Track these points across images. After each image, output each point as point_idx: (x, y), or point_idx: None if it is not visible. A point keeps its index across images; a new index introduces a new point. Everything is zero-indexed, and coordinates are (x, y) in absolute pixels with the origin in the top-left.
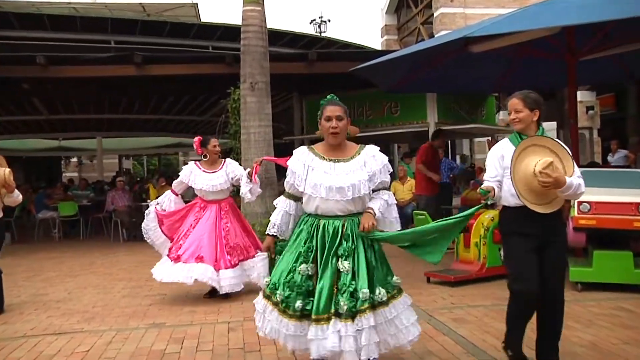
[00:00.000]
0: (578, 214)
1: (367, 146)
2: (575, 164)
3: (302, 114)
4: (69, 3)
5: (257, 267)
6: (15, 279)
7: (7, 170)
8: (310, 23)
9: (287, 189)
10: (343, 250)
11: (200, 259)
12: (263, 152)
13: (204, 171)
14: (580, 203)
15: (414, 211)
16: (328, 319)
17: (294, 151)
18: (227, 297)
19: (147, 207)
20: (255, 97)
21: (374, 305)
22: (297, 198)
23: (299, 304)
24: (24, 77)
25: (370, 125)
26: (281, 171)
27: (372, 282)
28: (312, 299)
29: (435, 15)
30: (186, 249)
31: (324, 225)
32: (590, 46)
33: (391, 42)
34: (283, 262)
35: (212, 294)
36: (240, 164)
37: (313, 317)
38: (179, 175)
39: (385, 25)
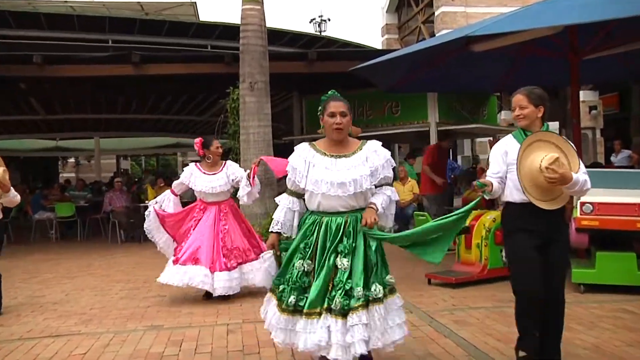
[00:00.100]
0: (581, 214)
1: (369, 141)
2: (580, 160)
3: (301, 114)
4: (66, 2)
5: (256, 271)
6: (11, 281)
7: (1, 169)
8: (310, 22)
9: (289, 186)
10: (343, 247)
11: (196, 260)
12: (262, 152)
13: (204, 173)
14: (583, 204)
15: (415, 212)
16: (319, 314)
17: (295, 147)
18: (226, 299)
19: (146, 207)
20: (255, 97)
21: (368, 302)
22: (300, 195)
23: (292, 299)
24: (20, 77)
25: (371, 125)
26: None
27: (369, 279)
28: (306, 295)
29: (436, 14)
30: (185, 251)
31: (327, 222)
32: (593, 45)
33: (392, 42)
34: (287, 258)
35: (210, 296)
36: (239, 165)
37: (305, 310)
38: (179, 177)
39: (386, 24)
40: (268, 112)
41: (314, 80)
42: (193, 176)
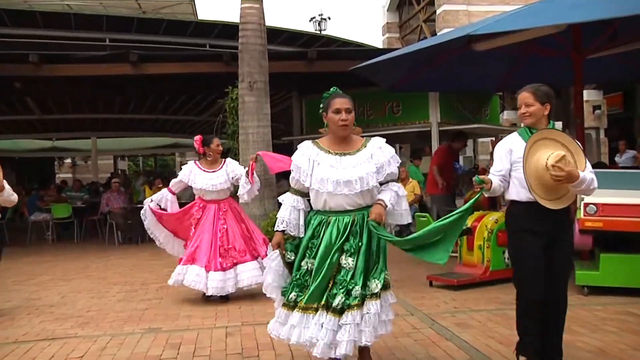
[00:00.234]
0: (584, 215)
1: (372, 138)
2: (586, 158)
3: (301, 114)
4: (62, 0)
5: (248, 272)
6: (6, 283)
7: None
8: (309, 21)
9: (292, 185)
10: (349, 247)
11: (193, 260)
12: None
13: (204, 170)
14: (586, 205)
15: (416, 213)
16: (315, 309)
17: (298, 146)
18: (226, 300)
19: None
20: (254, 97)
21: (364, 299)
22: (304, 194)
23: (293, 295)
24: (16, 76)
25: (372, 125)
26: (280, 172)
27: (368, 276)
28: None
29: (437, 12)
30: (186, 251)
31: (334, 221)
32: (597, 44)
33: (393, 40)
34: (297, 261)
35: (210, 296)
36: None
37: (302, 304)
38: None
39: (387, 22)
40: (267, 112)
41: (313, 80)
42: (192, 174)
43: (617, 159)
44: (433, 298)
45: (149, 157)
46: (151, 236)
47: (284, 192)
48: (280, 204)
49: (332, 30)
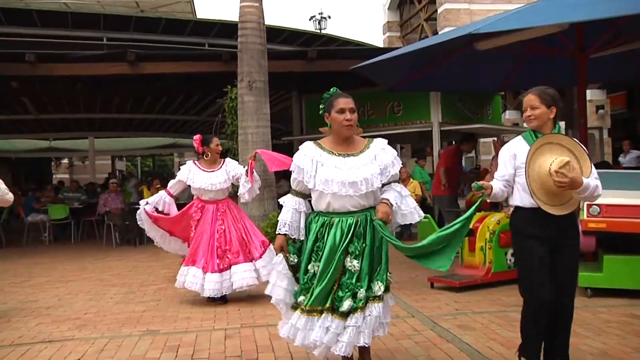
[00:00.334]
0: (587, 216)
1: (375, 139)
2: (592, 164)
3: (301, 114)
4: None
5: (239, 274)
6: (2, 285)
7: None
8: (309, 19)
9: (294, 187)
10: (354, 249)
11: (193, 261)
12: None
13: (204, 170)
14: (589, 206)
15: None
16: (320, 312)
17: (300, 147)
18: (225, 302)
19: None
20: (253, 97)
21: (367, 301)
22: (306, 195)
23: (301, 298)
24: (12, 75)
25: (372, 125)
26: (280, 172)
27: (372, 278)
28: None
29: (439, 11)
30: (188, 253)
31: (337, 222)
32: (601, 43)
33: (393, 39)
34: (304, 265)
35: (214, 299)
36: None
37: (307, 307)
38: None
39: (388, 21)
40: (267, 111)
41: (313, 79)
42: (191, 173)
43: (621, 159)
44: (434, 300)
45: (147, 158)
46: (148, 235)
47: (284, 193)
48: (280, 205)
49: (332, 29)
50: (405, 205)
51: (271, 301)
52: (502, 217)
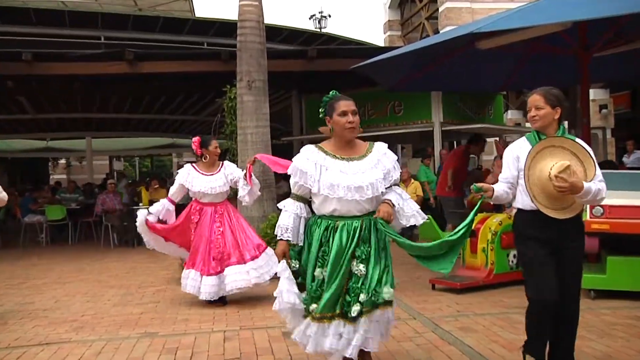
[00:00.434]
0: (591, 218)
1: (376, 143)
2: (597, 166)
3: (301, 114)
4: None
5: (231, 276)
6: None
7: None
8: (309, 18)
9: (294, 191)
10: (360, 253)
11: (193, 264)
12: (260, 153)
13: (202, 173)
14: (592, 206)
15: None
16: (331, 319)
17: (301, 149)
18: (225, 304)
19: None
20: (253, 96)
21: (378, 306)
22: (307, 200)
23: (313, 306)
24: (8, 75)
25: (373, 125)
26: (280, 173)
27: (382, 282)
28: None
29: (440, 10)
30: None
31: (342, 226)
32: (604, 42)
33: (394, 38)
34: (310, 270)
35: (218, 300)
36: (236, 166)
37: (317, 315)
38: (173, 178)
39: (388, 20)
40: (266, 111)
41: (313, 79)
42: (190, 176)
43: (624, 159)
44: (436, 302)
45: (145, 158)
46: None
47: (284, 194)
48: (279, 208)
49: (332, 28)
50: (408, 208)
51: (276, 308)
52: (504, 218)
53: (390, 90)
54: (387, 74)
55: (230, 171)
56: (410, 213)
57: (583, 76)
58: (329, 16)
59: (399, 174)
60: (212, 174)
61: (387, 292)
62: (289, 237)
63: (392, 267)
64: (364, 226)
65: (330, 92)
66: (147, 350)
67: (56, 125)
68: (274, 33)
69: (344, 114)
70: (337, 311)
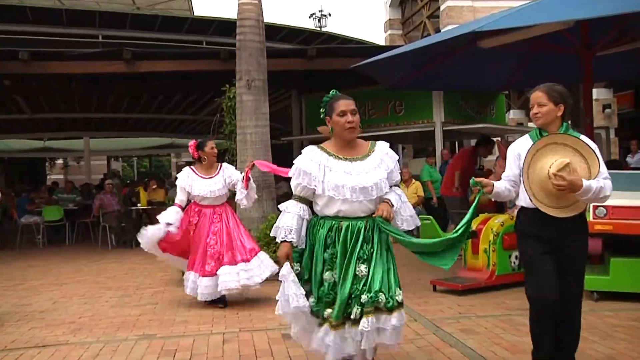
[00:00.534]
0: (594, 218)
1: (377, 143)
2: (602, 164)
3: (301, 113)
4: None
5: (223, 276)
6: None
7: None
8: (309, 17)
9: (297, 192)
10: (362, 253)
11: (192, 266)
12: (260, 153)
13: (201, 177)
14: (596, 207)
15: (420, 215)
16: (343, 323)
17: (303, 150)
18: (225, 305)
19: (137, 211)
20: (252, 96)
21: (393, 309)
22: (309, 201)
23: (328, 312)
24: (5, 74)
25: (373, 125)
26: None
27: (390, 283)
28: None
29: (441, 8)
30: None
31: (347, 227)
32: (607, 40)
33: (395, 37)
34: (314, 272)
35: (218, 302)
36: (235, 166)
37: (334, 322)
38: (172, 178)
39: (389, 19)
40: (266, 111)
41: (313, 78)
42: (190, 179)
43: (629, 159)
44: (437, 303)
45: (143, 158)
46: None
47: (283, 194)
48: (279, 208)
49: (332, 27)
50: (404, 210)
51: (279, 312)
52: (506, 219)
53: (391, 88)
54: (387, 73)
55: (229, 174)
56: (406, 215)
57: (586, 75)
58: (329, 15)
59: (400, 174)
60: (211, 177)
61: (397, 293)
62: (293, 238)
63: (396, 269)
64: (367, 227)
65: (331, 92)
66: (145, 352)
67: (54, 125)
68: (274, 32)
69: (343, 113)
70: (345, 315)
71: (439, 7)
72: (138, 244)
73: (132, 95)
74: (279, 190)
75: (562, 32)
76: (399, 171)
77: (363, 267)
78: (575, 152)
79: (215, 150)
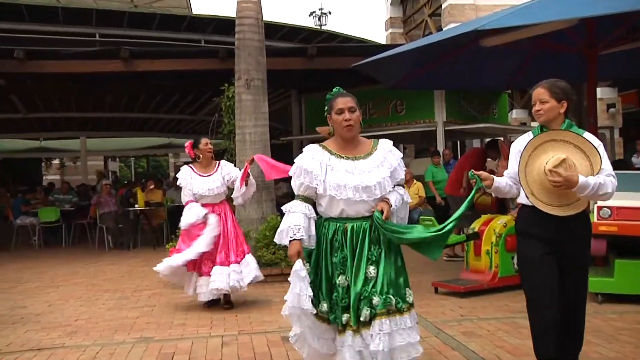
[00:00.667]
0: (598, 219)
1: (380, 140)
2: (605, 160)
3: (300, 113)
4: None
5: (214, 276)
6: None
7: None
8: (309, 15)
9: (300, 192)
10: (371, 255)
11: (192, 267)
12: (259, 153)
13: (200, 175)
14: (600, 208)
15: (421, 216)
16: (357, 329)
17: (304, 148)
18: (231, 307)
19: (134, 212)
20: (251, 95)
21: (403, 311)
22: (312, 201)
23: (346, 317)
24: (0, 73)
25: (374, 124)
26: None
27: (400, 285)
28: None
29: (443, 6)
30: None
31: (352, 228)
32: (612, 39)
33: (396, 36)
34: (323, 277)
35: (218, 302)
36: (235, 166)
37: (355, 326)
38: (175, 180)
39: (390, 17)
40: (265, 110)
41: (313, 77)
42: (190, 177)
43: (634, 159)
44: (439, 306)
45: (141, 158)
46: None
47: (283, 195)
48: (279, 209)
49: (332, 25)
50: (402, 212)
51: (285, 313)
52: (508, 220)
53: (391, 88)
54: (388, 72)
55: (227, 171)
56: (402, 216)
57: (590, 74)
58: (330, 13)
59: (403, 172)
60: (209, 175)
61: (408, 295)
62: (302, 235)
63: (405, 268)
64: (373, 227)
65: (334, 89)
66: (143, 355)
67: (50, 125)
68: (273, 30)
69: (340, 111)
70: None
71: (440, 5)
72: (135, 245)
73: (130, 94)
74: (278, 191)
75: (566, 31)
76: (404, 169)
77: (372, 269)
78: (576, 149)
79: (210, 147)
